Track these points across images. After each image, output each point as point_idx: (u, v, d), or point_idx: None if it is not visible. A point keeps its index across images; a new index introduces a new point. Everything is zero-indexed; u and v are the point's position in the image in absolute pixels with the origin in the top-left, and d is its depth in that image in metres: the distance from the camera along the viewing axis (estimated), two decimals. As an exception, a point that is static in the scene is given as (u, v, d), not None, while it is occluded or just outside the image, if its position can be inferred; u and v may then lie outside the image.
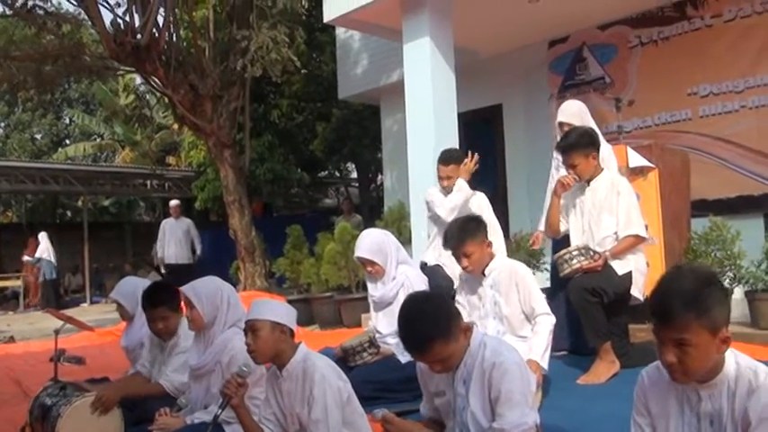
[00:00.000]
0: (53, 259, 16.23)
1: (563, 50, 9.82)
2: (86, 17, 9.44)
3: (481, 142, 10.75)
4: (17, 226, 23.57)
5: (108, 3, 9.64)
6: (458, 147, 7.93)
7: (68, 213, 27.87)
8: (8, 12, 9.58)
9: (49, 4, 9.70)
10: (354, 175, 21.01)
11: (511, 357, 2.61)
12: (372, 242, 4.65)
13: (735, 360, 2.09)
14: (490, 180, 10.59)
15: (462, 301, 4.28)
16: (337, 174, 21.89)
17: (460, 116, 10.79)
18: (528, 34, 9.51)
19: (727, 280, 6.05)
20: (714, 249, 6.13)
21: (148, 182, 19.84)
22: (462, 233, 4.07)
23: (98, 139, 26.57)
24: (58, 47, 9.69)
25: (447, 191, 5.75)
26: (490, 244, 4.19)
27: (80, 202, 20.09)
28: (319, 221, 16.25)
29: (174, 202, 13.30)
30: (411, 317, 2.67)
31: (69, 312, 8.10)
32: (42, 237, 16.17)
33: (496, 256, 4.27)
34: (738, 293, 6.01)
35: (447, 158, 5.81)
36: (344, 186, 22.08)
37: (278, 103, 16.00)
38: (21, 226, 23.00)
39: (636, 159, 6.11)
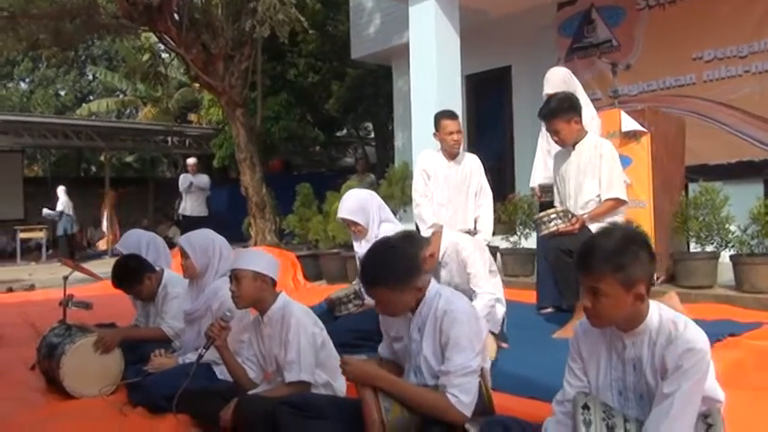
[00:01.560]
0: (71, 213, 16.54)
1: (571, 12, 9.87)
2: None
3: (490, 103, 10.95)
4: (41, 180, 23.97)
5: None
6: (461, 109, 8.11)
7: (93, 168, 28.28)
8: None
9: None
10: (372, 134, 21.17)
11: (461, 307, 2.81)
12: (354, 203, 4.85)
13: (658, 313, 2.30)
14: (498, 140, 10.78)
15: None
16: (352, 133, 21.99)
17: (470, 77, 11.01)
18: (537, -5, 9.55)
19: (714, 244, 6.21)
20: (702, 214, 6.24)
21: (169, 138, 20.13)
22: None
23: (121, 96, 26.91)
24: (74, 5, 9.89)
25: (455, 149, 5.68)
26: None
27: (102, 158, 20.41)
28: (337, 180, 16.48)
29: (191, 160, 13.67)
30: (371, 255, 2.91)
31: (90, 264, 8.43)
32: (60, 191, 16.47)
33: (444, 233, 4.51)
34: (725, 257, 6.17)
35: (454, 114, 5.69)
36: (361, 145, 22.21)
37: (295, 62, 16.14)
38: (45, 180, 23.41)
39: (629, 123, 6.26)
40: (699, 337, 2.21)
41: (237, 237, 12.20)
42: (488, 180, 8.24)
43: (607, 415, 2.30)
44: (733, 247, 6.11)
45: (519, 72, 10.43)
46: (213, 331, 3.39)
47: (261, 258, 3.48)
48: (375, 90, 15.87)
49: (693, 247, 6.34)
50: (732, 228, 6.20)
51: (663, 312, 2.30)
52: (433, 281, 2.93)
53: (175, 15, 9.90)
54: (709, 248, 6.24)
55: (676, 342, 2.20)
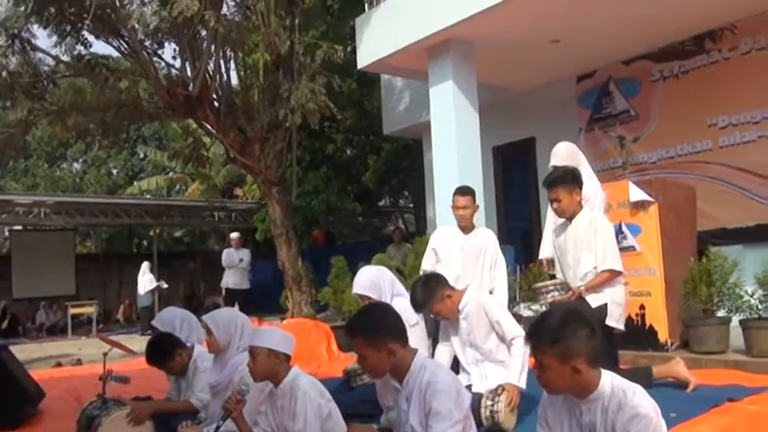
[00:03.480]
0: (141, 292, 16.96)
1: (590, 85, 10.26)
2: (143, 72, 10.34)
3: (517, 173, 11.30)
4: (93, 256, 24.88)
5: (162, 58, 10.64)
6: (481, 182, 8.46)
7: (144, 243, 29.19)
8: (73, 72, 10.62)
9: (110, 61, 10.71)
10: (412, 204, 21.65)
11: (444, 379, 3.10)
12: (366, 279, 5.19)
13: (611, 382, 2.58)
14: (525, 209, 11.07)
15: (443, 336, 4.89)
16: (393, 203, 22.49)
17: (497, 149, 11.43)
18: (556, 70, 10.00)
19: (725, 309, 6.35)
20: (715, 279, 6.39)
21: (215, 214, 20.84)
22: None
23: (170, 173, 27.99)
24: (118, 99, 10.64)
25: (462, 223, 6.10)
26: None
27: (152, 233, 21.26)
28: (377, 249, 16.87)
29: (234, 235, 14.19)
30: (360, 311, 3.37)
31: (139, 337, 8.82)
32: (143, 266, 17.08)
33: (468, 290, 4.83)
34: (735, 322, 6.31)
35: (464, 190, 6.06)
36: (401, 215, 22.67)
37: (333, 138, 16.76)
38: (97, 256, 24.30)
39: (637, 194, 6.54)
40: (645, 404, 2.49)
41: (277, 309, 12.61)
42: (519, 244, 8.57)
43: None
44: (743, 311, 6.23)
45: (543, 143, 10.75)
46: (230, 403, 3.73)
47: (275, 336, 3.81)
48: (410, 162, 16.38)
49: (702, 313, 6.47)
50: (749, 291, 6.32)
51: (615, 381, 2.58)
52: (419, 353, 3.23)
53: (214, 103, 10.57)
54: (721, 314, 6.39)
55: (624, 408, 2.48)
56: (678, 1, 7.77)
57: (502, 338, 4.65)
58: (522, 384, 4.51)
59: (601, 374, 2.59)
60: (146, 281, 16.70)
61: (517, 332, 4.60)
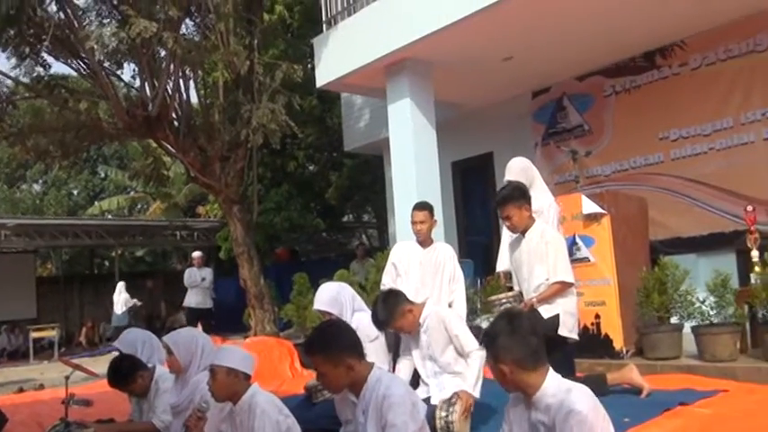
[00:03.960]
0: (118, 311, 16.72)
1: (545, 101, 10.48)
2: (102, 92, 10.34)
3: (476, 187, 11.46)
4: (54, 278, 24.57)
5: (121, 78, 10.62)
6: (440, 197, 8.59)
7: (106, 263, 28.88)
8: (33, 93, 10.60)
9: (69, 81, 10.69)
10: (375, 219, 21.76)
11: (398, 392, 3.20)
12: (327, 295, 5.29)
13: (557, 383, 2.76)
14: (484, 223, 11.24)
15: (405, 349, 4.98)
16: (356, 218, 22.59)
17: (456, 164, 11.59)
18: (512, 86, 10.18)
19: (676, 317, 6.54)
20: (668, 287, 6.56)
21: (177, 233, 20.72)
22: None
23: (131, 192, 27.78)
24: (78, 120, 10.61)
25: (419, 238, 6.20)
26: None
27: (113, 254, 21.08)
28: (342, 265, 16.92)
29: (196, 254, 14.13)
30: (316, 330, 3.48)
31: (102, 359, 8.76)
32: (118, 286, 16.89)
33: (428, 304, 4.94)
34: (687, 328, 6.49)
35: (421, 205, 6.15)
36: (364, 231, 22.77)
37: (294, 155, 16.82)
38: (57, 278, 23.99)
39: (589, 206, 6.71)
40: (583, 402, 2.64)
41: (240, 327, 12.60)
42: (479, 258, 8.69)
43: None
44: (695, 318, 6.40)
45: (500, 158, 10.89)
46: (191, 422, 3.78)
47: (235, 355, 3.88)
48: (372, 178, 16.50)
49: (657, 320, 6.64)
50: (700, 298, 6.50)
51: (562, 383, 2.76)
52: (375, 367, 3.32)
53: (174, 122, 10.60)
54: (674, 321, 6.57)
55: (563, 405, 2.65)
56: (629, 19, 7.97)
57: (460, 352, 4.75)
58: (477, 394, 4.60)
59: (545, 376, 2.76)
60: (122, 300, 16.52)
61: (474, 346, 4.70)
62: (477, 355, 4.65)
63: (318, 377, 3.29)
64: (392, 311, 4.74)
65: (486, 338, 2.83)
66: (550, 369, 2.80)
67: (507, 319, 2.88)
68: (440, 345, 4.79)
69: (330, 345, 3.25)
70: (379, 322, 4.82)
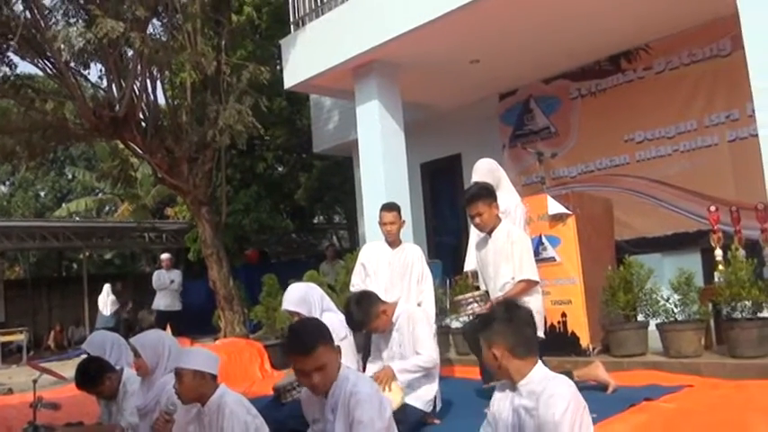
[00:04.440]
0: (105, 313, 16.49)
1: (512, 102, 10.59)
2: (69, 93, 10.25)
3: (444, 189, 11.54)
4: (22, 281, 24.26)
5: (88, 79, 10.53)
6: (408, 198, 8.65)
7: (74, 266, 28.58)
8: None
9: (36, 81, 10.57)
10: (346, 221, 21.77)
11: (365, 390, 3.23)
12: (296, 295, 5.32)
13: (543, 372, 2.89)
14: (452, 224, 11.31)
15: (374, 350, 5.05)
16: (327, 220, 22.59)
17: (425, 166, 11.65)
18: (479, 88, 10.26)
19: (642, 315, 6.64)
20: (633, 286, 6.66)
21: (146, 234, 20.56)
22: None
23: (99, 194, 27.52)
24: (44, 120, 10.51)
25: (389, 238, 6.27)
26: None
27: (81, 256, 20.87)
28: (312, 267, 16.92)
29: (164, 256, 14.08)
30: (298, 328, 3.44)
31: (71, 363, 8.67)
32: (104, 288, 16.71)
33: (399, 302, 5.00)
34: (653, 326, 6.60)
35: (390, 206, 6.27)
36: (334, 232, 22.77)
37: (263, 156, 16.78)
38: (26, 281, 23.70)
39: (555, 207, 6.80)
40: (563, 389, 2.77)
41: (210, 329, 12.54)
42: (447, 258, 8.77)
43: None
44: (660, 316, 6.51)
45: (468, 159, 10.97)
46: (158, 424, 3.78)
47: (200, 356, 3.88)
48: (342, 179, 16.52)
49: (623, 318, 6.74)
50: (665, 296, 6.60)
51: (548, 373, 2.89)
52: (343, 365, 3.36)
53: (141, 123, 10.54)
54: (640, 318, 6.68)
55: (545, 392, 2.77)
56: (594, 23, 8.08)
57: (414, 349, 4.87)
58: (400, 377, 4.71)
59: (533, 365, 2.90)
60: (110, 302, 16.39)
61: (428, 350, 4.87)
62: (426, 357, 4.84)
63: (313, 375, 3.21)
64: (368, 313, 4.80)
65: (483, 323, 2.98)
66: (539, 361, 2.93)
67: (506, 307, 3.05)
68: (411, 343, 4.86)
69: (327, 333, 3.30)
70: (354, 324, 4.88)
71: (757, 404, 4.70)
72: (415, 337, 4.87)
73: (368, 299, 4.96)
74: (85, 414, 6.09)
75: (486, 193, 5.37)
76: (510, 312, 2.98)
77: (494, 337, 2.89)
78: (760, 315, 5.93)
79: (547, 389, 2.76)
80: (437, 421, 5.01)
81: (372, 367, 5.17)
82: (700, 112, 8.55)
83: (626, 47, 9.10)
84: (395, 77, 8.89)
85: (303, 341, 3.23)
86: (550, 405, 2.70)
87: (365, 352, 5.75)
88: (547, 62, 9.38)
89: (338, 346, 3.35)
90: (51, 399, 5.90)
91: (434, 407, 5.04)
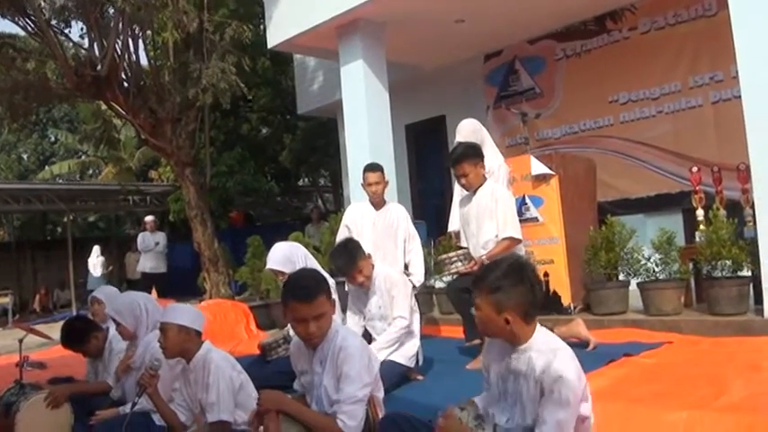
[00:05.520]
0: (95, 274, 16.55)
1: (497, 63, 10.55)
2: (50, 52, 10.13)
3: (429, 150, 11.52)
4: (6, 245, 24.17)
5: (70, 38, 10.39)
6: (393, 159, 8.64)
7: (59, 230, 28.46)
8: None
9: (17, 40, 10.42)
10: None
11: (354, 344, 3.27)
12: (280, 254, 5.35)
13: (545, 339, 2.73)
14: (437, 185, 11.32)
15: (353, 308, 5.08)
16: (312, 182, 22.55)
17: (410, 127, 11.63)
18: (464, 49, 10.22)
19: (623, 274, 6.71)
20: (615, 245, 6.72)
21: (130, 197, 20.46)
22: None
23: (82, 157, 27.31)
24: (26, 80, 10.39)
25: (374, 199, 6.29)
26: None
27: (65, 219, 20.75)
28: (297, 229, 16.93)
29: (149, 218, 14.09)
30: (300, 276, 3.43)
31: (56, 326, 8.65)
32: (93, 249, 16.67)
33: (377, 264, 5.03)
34: (633, 285, 6.68)
35: (374, 166, 6.31)
36: (319, 194, 22.75)
37: (247, 117, 16.69)
38: (10, 244, 23.61)
39: (538, 167, 6.82)
40: (570, 367, 2.61)
41: (195, 291, 12.58)
42: (432, 220, 8.78)
43: (479, 423, 2.83)
44: (641, 275, 6.59)
45: (452, 121, 10.85)
46: (144, 379, 3.80)
47: (186, 312, 3.89)
48: (327, 141, 16.47)
49: (604, 277, 6.80)
50: (646, 255, 6.67)
51: (550, 341, 2.73)
52: (335, 319, 3.39)
53: (124, 83, 10.43)
54: (621, 278, 6.75)
55: (549, 369, 2.61)
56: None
57: (387, 312, 4.96)
58: (380, 357, 4.67)
59: (535, 330, 2.74)
60: (100, 263, 16.38)
61: (403, 313, 4.92)
62: (400, 324, 4.90)
63: (310, 323, 3.20)
64: (354, 257, 4.83)
65: (492, 285, 2.70)
66: (539, 324, 2.79)
67: (517, 267, 2.78)
68: (390, 305, 4.93)
69: (326, 284, 3.33)
70: (341, 267, 4.89)
71: (736, 360, 4.77)
72: (392, 299, 4.92)
73: (354, 244, 5.02)
74: (72, 374, 6.11)
75: (473, 152, 5.38)
76: (522, 273, 2.75)
77: (508, 302, 2.68)
78: (740, 274, 6.00)
79: (552, 365, 2.61)
80: (420, 377, 5.08)
81: (353, 318, 5.24)
82: (684, 74, 8.56)
83: (612, 7, 9.08)
84: (380, 37, 8.81)
85: (306, 288, 3.23)
86: (556, 384, 2.59)
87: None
88: (532, 22, 9.34)
89: (333, 300, 3.38)
90: (38, 359, 5.93)
91: (417, 362, 5.10)
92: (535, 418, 2.64)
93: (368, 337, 5.04)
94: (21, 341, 5.63)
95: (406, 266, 6.19)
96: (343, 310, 5.65)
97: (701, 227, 6.49)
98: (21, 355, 5.38)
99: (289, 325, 5.54)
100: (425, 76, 11.07)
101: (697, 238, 6.49)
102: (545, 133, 9.84)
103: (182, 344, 3.78)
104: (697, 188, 6.75)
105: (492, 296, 2.68)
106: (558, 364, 2.60)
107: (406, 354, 4.98)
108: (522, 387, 2.72)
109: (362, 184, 6.32)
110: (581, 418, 2.71)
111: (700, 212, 6.63)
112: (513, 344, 2.75)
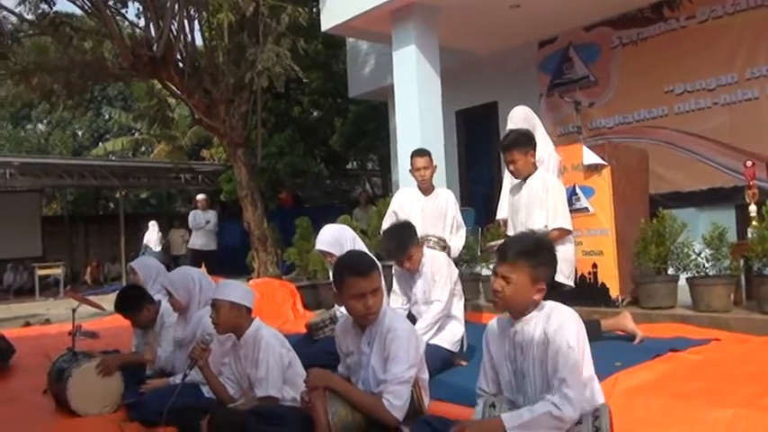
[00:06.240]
0: (155, 249, 16.50)
1: (551, 50, 10.45)
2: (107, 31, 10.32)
3: (479, 136, 11.49)
4: (59, 218, 24.76)
5: (126, 17, 10.57)
6: (443, 145, 8.65)
7: (111, 205, 29.05)
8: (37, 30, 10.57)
9: (75, 20, 10.64)
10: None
11: (402, 326, 3.34)
12: (329, 236, 5.42)
13: (550, 307, 2.90)
14: (486, 173, 11.30)
15: (398, 291, 5.14)
16: (360, 166, 22.64)
17: (460, 113, 11.59)
18: (518, 35, 10.13)
19: (672, 268, 6.63)
20: (665, 239, 6.64)
21: (182, 176, 20.79)
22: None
23: (136, 134, 27.79)
24: (82, 59, 10.62)
25: (423, 185, 6.31)
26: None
27: (118, 195, 21.19)
28: (345, 212, 17.06)
29: (200, 196, 14.30)
30: (357, 253, 3.69)
31: (108, 298, 8.92)
32: (150, 225, 16.99)
33: (425, 249, 5.07)
34: (683, 279, 6.59)
35: (422, 152, 6.33)
36: (368, 178, 22.83)
37: (299, 100, 16.81)
38: (62, 218, 24.18)
39: (590, 157, 6.76)
40: (568, 317, 2.85)
41: (243, 269, 12.77)
42: (480, 207, 8.76)
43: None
44: (691, 270, 6.49)
45: (504, 107, 10.76)
46: (195, 353, 3.91)
47: (237, 289, 3.99)
48: (377, 125, 16.51)
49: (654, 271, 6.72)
50: (696, 250, 6.57)
51: (549, 303, 2.93)
52: (384, 303, 3.45)
53: (179, 64, 10.60)
54: (670, 272, 6.67)
55: (551, 320, 2.83)
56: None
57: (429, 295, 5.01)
58: (426, 336, 4.81)
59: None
60: (158, 238, 16.67)
61: (441, 297, 4.97)
62: (439, 306, 4.94)
63: (368, 297, 3.30)
64: (405, 244, 4.88)
65: (532, 255, 2.85)
66: None
67: (547, 242, 3.06)
68: (432, 290, 4.97)
69: (377, 264, 3.49)
70: (390, 251, 4.95)
71: (786, 360, 4.71)
72: (434, 283, 4.96)
73: (409, 228, 5.06)
74: (122, 345, 6.29)
75: (525, 140, 5.33)
76: (552, 247, 3.01)
77: (544, 273, 2.87)
78: (792, 272, 5.90)
79: (552, 318, 2.82)
80: (464, 363, 5.11)
81: (396, 301, 5.28)
82: (741, 65, 8.37)
83: (670, -6, 8.91)
84: (433, 22, 8.78)
85: (362, 264, 3.36)
86: (561, 334, 2.76)
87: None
88: (588, 8, 9.20)
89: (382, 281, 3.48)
90: (89, 329, 6.09)
91: (461, 347, 5.13)
92: (551, 376, 2.78)
93: (411, 321, 5.08)
94: (74, 310, 5.81)
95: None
96: (387, 293, 5.72)
97: (754, 223, 6.35)
98: (74, 324, 5.55)
99: (335, 305, 5.64)
100: (478, 61, 11.01)
101: (749, 235, 6.36)
102: (598, 122, 9.74)
103: (233, 320, 3.88)
104: (751, 183, 6.62)
105: (531, 267, 2.82)
106: (557, 315, 2.83)
107: (451, 338, 5.02)
108: (529, 354, 2.87)
109: (410, 170, 6.34)
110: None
111: (753, 208, 6.48)
112: (518, 316, 2.90)
